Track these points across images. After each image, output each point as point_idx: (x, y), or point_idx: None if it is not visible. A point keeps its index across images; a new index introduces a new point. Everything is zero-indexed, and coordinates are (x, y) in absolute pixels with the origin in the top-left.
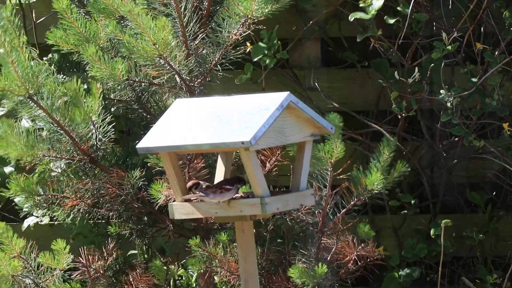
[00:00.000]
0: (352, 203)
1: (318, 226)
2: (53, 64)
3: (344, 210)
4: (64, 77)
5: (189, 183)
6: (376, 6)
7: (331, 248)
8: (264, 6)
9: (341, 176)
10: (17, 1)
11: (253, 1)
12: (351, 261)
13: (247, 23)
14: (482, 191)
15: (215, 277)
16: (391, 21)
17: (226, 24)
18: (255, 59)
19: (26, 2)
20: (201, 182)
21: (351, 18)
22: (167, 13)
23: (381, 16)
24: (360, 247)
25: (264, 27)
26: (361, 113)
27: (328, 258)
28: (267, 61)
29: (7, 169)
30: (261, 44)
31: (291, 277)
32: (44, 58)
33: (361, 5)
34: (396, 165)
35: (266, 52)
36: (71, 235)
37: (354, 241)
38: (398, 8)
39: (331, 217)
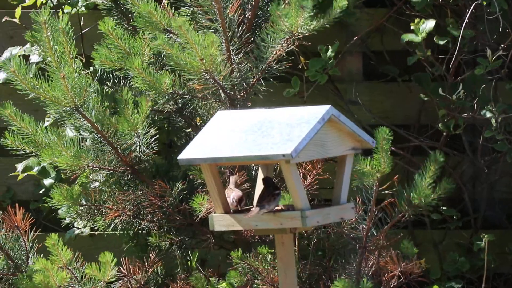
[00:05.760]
0: (396, 218)
1: (360, 241)
2: (95, 76)
3: (388, 225)
4: (107, 88)
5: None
6: (427, 27)
7: (373, 263)
8: (309, 23)
9: (386, 192)
10: (71, 11)
11: (298, 17)
12: (395, 277)
13: (291, 39)
14: None
15: None
16: (442, 42)
17: (270, 39)
18: (308, 75)
19: (75, 11)
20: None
21: (403, 40)
22: (214, 28)
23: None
24: (403, 263)
25: (309, 43)
26: (402, 127)
27: (370, 273)
28: (318, 77)
29: (47, 181)
30: (317, 59)
31: None
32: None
33: (412, 27)
34: (440, 181)
35: (321, 67)
36: (124, 240)
37: (398, 257)
38: (449, 29)
39: (375, 232)
